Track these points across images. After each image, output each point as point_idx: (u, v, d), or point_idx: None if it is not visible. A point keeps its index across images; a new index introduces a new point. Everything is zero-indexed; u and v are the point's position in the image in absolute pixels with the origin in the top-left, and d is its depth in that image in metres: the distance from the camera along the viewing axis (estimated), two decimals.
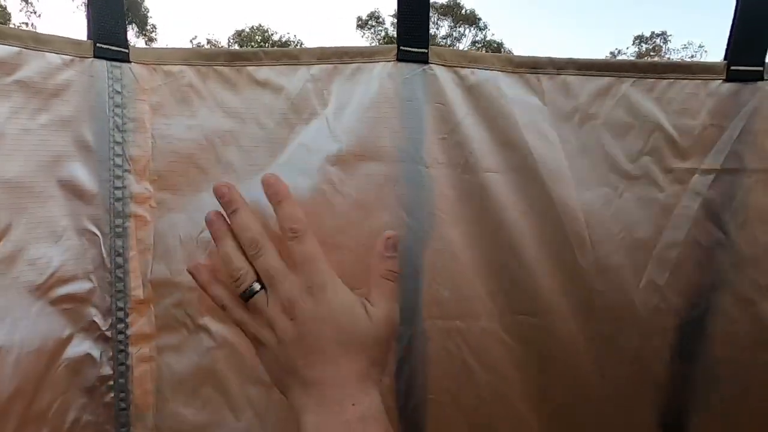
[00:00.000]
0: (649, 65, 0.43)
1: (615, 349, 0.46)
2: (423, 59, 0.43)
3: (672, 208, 0.44)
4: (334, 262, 0.42)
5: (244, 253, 0.41)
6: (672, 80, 0.42)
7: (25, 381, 0.42)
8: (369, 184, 0.45)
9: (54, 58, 0.42)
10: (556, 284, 0.45)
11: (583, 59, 0.42)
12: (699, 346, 0.45)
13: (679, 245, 0.44)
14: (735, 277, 0.44)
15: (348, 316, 0.40)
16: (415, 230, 0.45)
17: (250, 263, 0.41)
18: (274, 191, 0.41)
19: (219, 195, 0.42)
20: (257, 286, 0.40)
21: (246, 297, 0.41)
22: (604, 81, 0.43)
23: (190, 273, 0.44)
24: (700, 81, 0.42)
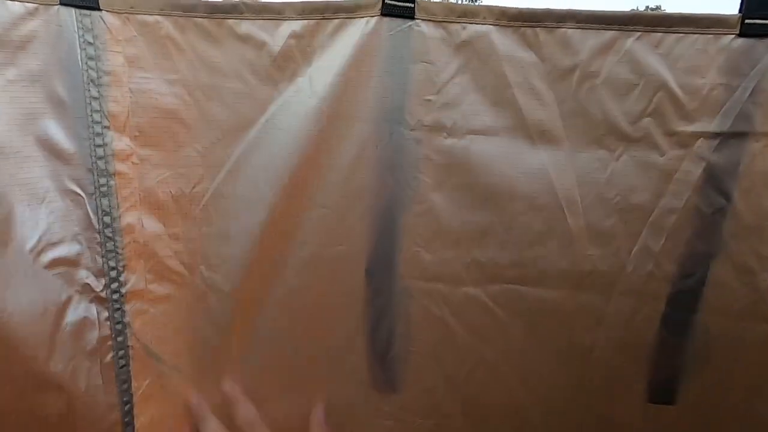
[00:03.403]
0: (657, 18, 0.39)
1: (605, 318, 0.45)
2: (409, 14, 0.41)
3: (672, 173, 0.41)
4: (316, 220, 0.42)
5: None
6: (681, 35, 0.39)
7: (38, 345, 0.42)
8: (351, 145, 0.44)
9: (16, 7, 0.39)
10: (546, 250, 0.44)
11: (586, 11, 0.39)
12: (692, 316, 0.44)
13: (677, 211, 0.42)
14: (735, 245, 0.42)
15: None
16: (395, 191, 0.44)
17: None
18: None
19: None
20: None
21: None
22: (608, 35, 0.40)
23: None
24: (711, 36, 0.39)
